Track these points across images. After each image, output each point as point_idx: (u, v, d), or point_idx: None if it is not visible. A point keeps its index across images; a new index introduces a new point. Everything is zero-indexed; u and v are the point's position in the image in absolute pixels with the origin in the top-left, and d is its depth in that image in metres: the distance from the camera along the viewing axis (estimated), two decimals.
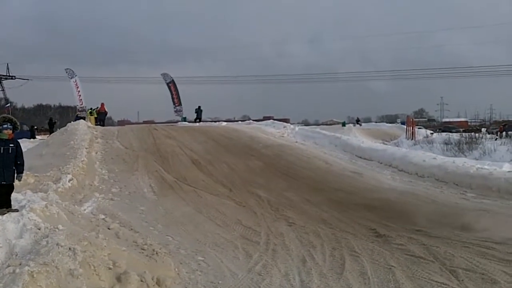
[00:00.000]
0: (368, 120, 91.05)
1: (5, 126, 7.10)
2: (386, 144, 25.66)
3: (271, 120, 32.00)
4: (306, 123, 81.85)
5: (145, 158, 16.59)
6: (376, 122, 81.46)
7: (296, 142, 22.12)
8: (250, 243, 8.07)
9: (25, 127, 51.23)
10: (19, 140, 7.58)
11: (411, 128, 30.78)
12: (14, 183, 7.31)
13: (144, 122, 73.48)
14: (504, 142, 24.24)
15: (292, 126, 27.87)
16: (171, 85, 49.27)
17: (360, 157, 18.13)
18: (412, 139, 28.96)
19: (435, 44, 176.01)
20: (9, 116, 7.61)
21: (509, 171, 12.59)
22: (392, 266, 6.62)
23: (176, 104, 48.86)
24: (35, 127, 51.36)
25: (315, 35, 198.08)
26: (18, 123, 7.49)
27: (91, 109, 39.20)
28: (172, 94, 49.20)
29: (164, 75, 50.53)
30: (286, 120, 51.82)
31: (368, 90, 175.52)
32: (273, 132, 25.09)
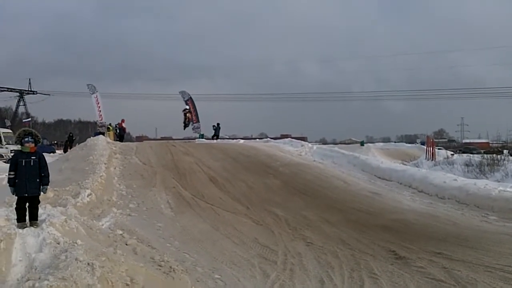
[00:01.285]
0: (387, 140, 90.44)
1: (26, 139, 7.19)
2: (405, 164, 25.38)
3: (289, 139, 32.00)
4: (324, 142, 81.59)
5: (162, 174, 16.63)
6: (395, 142, 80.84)
7: (314, 161, 22.03)
8: (268, 262, 7.99)
9: (46, 142, 51.86)
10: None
11: (431, 148, 30.40)
12: (39, 196, 7.38)
13: (162, 138, 73.85)
14: None
15: (310, 145, 27.78)
16: (189, 102, 49.52)
17: (379, 177, 17.95)
18: (432, 159, 28.57)
19: (450, 65, 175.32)
20: (30, 129, 7.71)
21: None
22: None
23: (194, 121, 49.01)
24: (55, 142, 51.97)
25: (330, 54, 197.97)
26: (40, 136, 7.58)
27: (110, 124, 39.63)
28: (190, 112, 49.42)
29: (182, 93, 50.86)
30: (303, 139, 51.79)
31: (387, 110, 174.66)
32: (291, 151, 25.03)
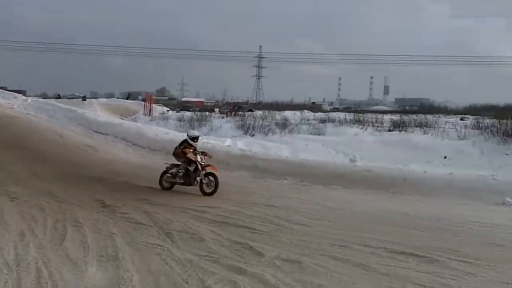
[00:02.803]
0: (111, 96, 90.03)
1: None
2: (123, 119, 25.95)
3: (0, 90, 29.60)
4: (45, 97, 77.08)
5: None
6: (118, 98, 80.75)
7: (28, 114, 20.91)
8: None
9: None
10: None
11: (149, 104, 31.60)
12: None
13: None
14: (229, 121, 26.63)
15: (24, 97, 26.21)
16: None
17: (96, 131, 17.97)
18: (149, 115, 29.81)
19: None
20: None
21: (228, 145, 13.91)
22: (113, 233, 6.85)
23: None
24: None
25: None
26: None
27: None
28: None
29: None
30: (22, 92, 48.28)
31: (112, 66, 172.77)
32: (1, 103, 23.25)
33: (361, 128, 22.52)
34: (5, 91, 28.30)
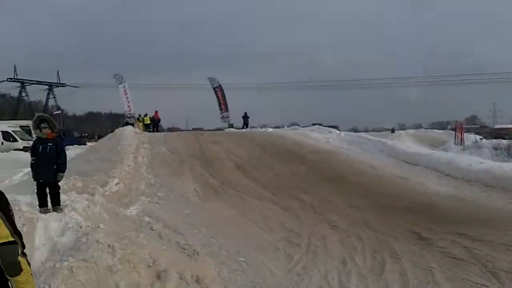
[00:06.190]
0: (419, 127, 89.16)
1: (42, 125, 7.32)
2: (433, 149, 25.10)
3: (317, 126, 31.77)
4: (355, 130, 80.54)
5: (190, 163, 16.84)
6: (426, 128, 79.68)
7: (342, 147, 21.91)
8: (292, 245, 8.12)
9: (76, 134, 52.54)
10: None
11: (459, 133, 30.02)
12: (59, 183, 7.55)
13: (194, 129, 74.24)
14: None
15: (337, 132, 27.62)
16: (218, 90, 49.32)
17: (406, 162, 17.76)
18: (460, 144, 28.24)
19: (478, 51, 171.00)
20: (45, 115, 7.87)
21: None
22: (433, 268, 6.61)
23: (223, 110, 48.97)
24: (86, 134, 52.75)
25: (350, 41, 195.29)
26: (55, 123, 7.70)
27: (139, 115, 40.06)
28: (219, 100, 49.22)
29: (211, 79, 50.40)
30: (335, 127, 51.31)
31: (419, 97, 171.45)
32: (318, 138, 24.94)
33: None
34: (321, 127, 30.29)
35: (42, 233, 6.07)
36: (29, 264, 2.74)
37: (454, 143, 29.36)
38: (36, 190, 7.44)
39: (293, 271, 6.75)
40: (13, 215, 2.75)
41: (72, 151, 20.75)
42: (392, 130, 61.51)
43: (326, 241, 8.26)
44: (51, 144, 7.40)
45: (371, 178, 14.83)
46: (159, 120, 38.29)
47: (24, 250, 2.78)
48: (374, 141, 22.22)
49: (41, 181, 7.39)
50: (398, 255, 7.24)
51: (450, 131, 53.52)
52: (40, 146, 7.35)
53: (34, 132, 7.62)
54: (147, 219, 9.31)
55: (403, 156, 18.50)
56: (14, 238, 2.66)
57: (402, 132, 58.98)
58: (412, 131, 64.55)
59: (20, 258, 2.67)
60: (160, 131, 37.97)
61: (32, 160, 7.46)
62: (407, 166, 17.17)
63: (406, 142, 30.87)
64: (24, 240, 2.75)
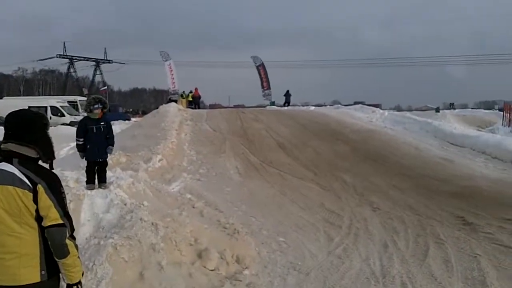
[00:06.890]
0: (464, 106, 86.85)
1: (95, 106, 7.46)
2: (481, 130, 24.42)
3: (360, 105, 31.37)
4: (399, 109, 79.02)
5: (232, 140, 16.87)
6: (472, 108, 77.62)
7: (385, 127, 21.55)
8: (332, 227, 8.07)
9: (121, 109, 53.41)
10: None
11: (508, 114, 29.05)
12: (107, 160, 7.72)
13: (235, 106, 74.59)
14: None
15: (381, 111, 27.16)
16: (261, 68, 49.38)
17: (452, 144, 17.35)
18: (509, 126, 27.34)
19: None
20: (99, 96, 8.03)
21: None
22: (478, 254, 6.44)
23: (265, 88, 48.99)
24: (131, 109, 53.57)
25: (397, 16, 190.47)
26: (108, 103, 7.84)
27: (183, 92, 40.47)
28: (261, 78, 49.29)
29: (254, 58, 50.58)
30: (377, 106, 50.54)
31: (465, 75, 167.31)
32: (361, 117, 24.58)
33: None
34: (364, 106, 29.89)
35: (87, 209, 6.22)
36: (76, 247, 2.81)
37: (502, 125, 28.40)
38: (86, 168, 7.59)
39: (334, 253, 6.72)
40: (65, 197, 2.82)
41: (117, 126, 21.06)
42: (437, 110, 60.09)
43: (367, 223, 8.18)
44: (103, 123, 7.55)
45: (415, 160, 14.56)
46: (199, 97, 38.65)
47: (74, 233, 2.85)
48: (419, 121, 21.75)
49: (99, 160, 7.54)
50: (442, 240, 7.09)
51: (497, 111, 52.06)
52: (94, 127, 7.46)
53: (86, 112, 7.73)
54: (189, 196, 9.41)
55: (449, 138, 18.07)
56: (63, 221, 2.73)
57: (447, 111, 57.66)
58: (456, 110, 63.03)
59: (67, 241, 2.73)
60: (202, 108, 38.27)
61: (79, 141, 7.56)
62: (453, 148, 16.78)
63: (452, 123, 30.21)
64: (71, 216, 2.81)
